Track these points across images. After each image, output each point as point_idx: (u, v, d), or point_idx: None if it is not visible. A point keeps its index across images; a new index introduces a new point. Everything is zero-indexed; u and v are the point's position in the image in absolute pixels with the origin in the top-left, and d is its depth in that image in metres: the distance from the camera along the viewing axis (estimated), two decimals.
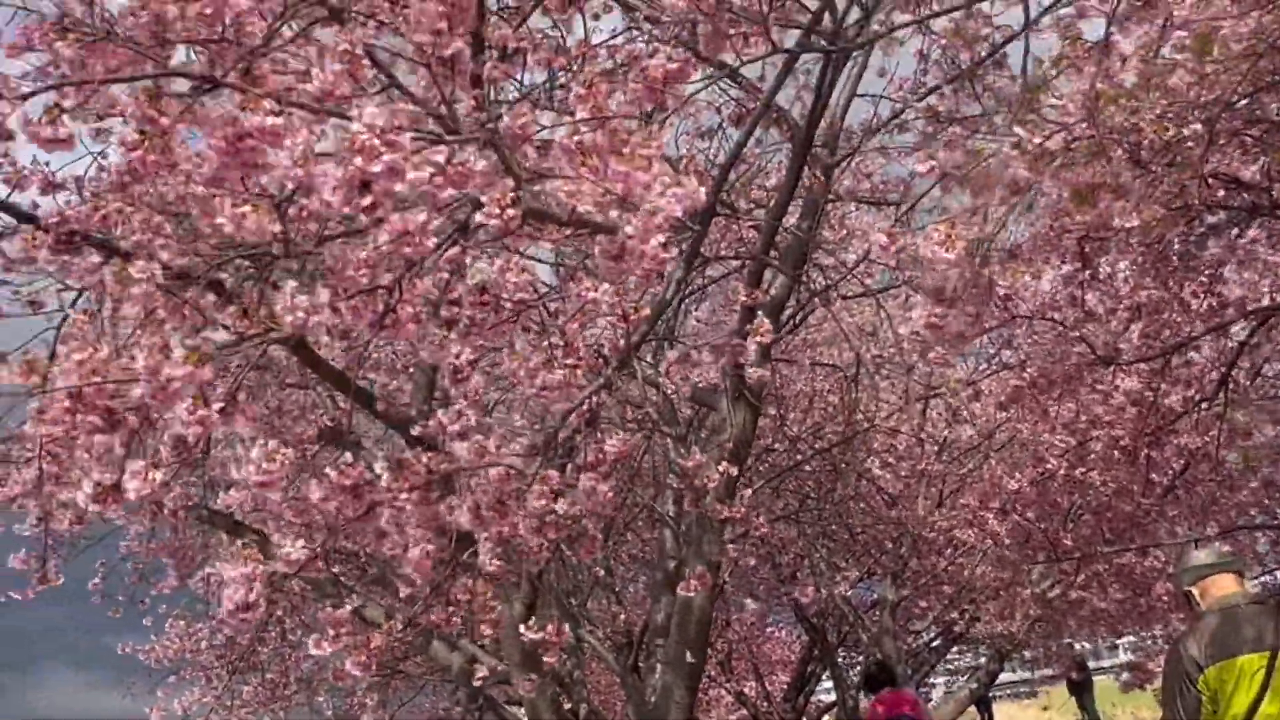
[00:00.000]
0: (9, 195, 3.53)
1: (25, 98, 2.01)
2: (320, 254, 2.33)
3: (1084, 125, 2.84)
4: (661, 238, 1.99)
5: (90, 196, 3.57)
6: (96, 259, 2.97)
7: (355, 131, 1.85)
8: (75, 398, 2.22)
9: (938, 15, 3.95)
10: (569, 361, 3.05)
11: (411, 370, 6.46)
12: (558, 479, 2.78)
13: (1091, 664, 18.31)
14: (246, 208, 2.03)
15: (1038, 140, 2.75)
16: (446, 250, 2.46)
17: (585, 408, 3.12)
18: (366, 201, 1.89)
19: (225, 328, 2.32)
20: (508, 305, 3.28)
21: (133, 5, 2.02)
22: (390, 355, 7.12)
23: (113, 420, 2.26)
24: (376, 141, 1.84)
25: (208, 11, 1.98)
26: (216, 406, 2.24)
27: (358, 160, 1.84)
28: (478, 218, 2.08)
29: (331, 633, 3.23)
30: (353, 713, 11.56)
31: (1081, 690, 17.73)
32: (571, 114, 2.16)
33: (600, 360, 3.28)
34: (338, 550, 7.34)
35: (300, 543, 2.74)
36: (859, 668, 19.84)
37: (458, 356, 3.12)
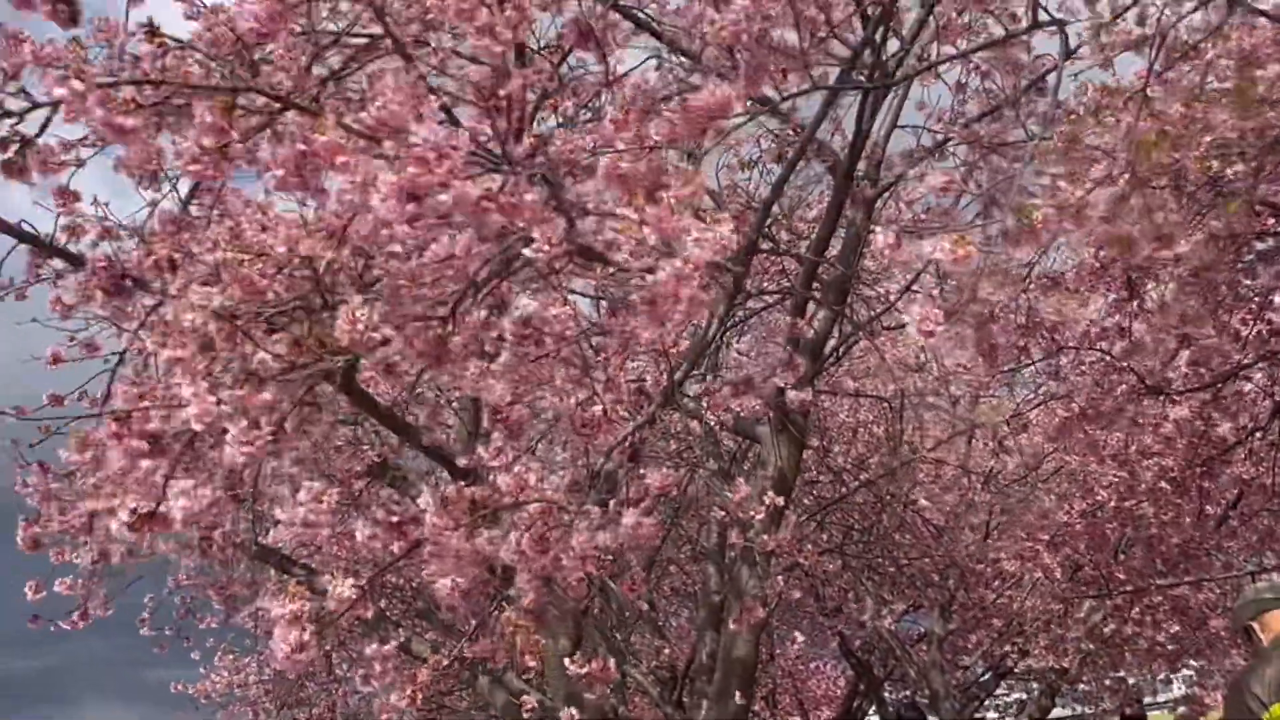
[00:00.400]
0: (67, 243, 3.64)
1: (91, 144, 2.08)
2: (372, 284, 2.36)
3: (1124, 172, 2.83)
4: (695, 284, 2.00)
5: (141, 244, 3.65)
6: (149, 302, 3.04)
7: (413, 143, 1.88)
8: (122, 422, 2.25)
9: (979, 49, 3.97)
10: (609, 398, 3.07)
11: (456, 405, 6.51)
12: (600, 514, 2.78)
13: (1146, 699, 17.91)
14: (303, 230, 2.07)
15: (1079, 194, 2.75)
16: (494, 283, 2.49)
17: (628, 443, 3.12)
18: (412, 208, 1.91)
19: (277, 356, 2.35)
20: (549, 341, 3.30)
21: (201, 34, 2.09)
22: (435, 391, 7.18)
23: (159, 445, 2.29)
24: (432, 154, 1.87)
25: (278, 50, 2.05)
26: (268, 431, 2.26)
27: (411, 169, 1.87)
28: (526, 252, 2.10)
29: (378, 668, 3.25)
30: None
31: None
32: (610, 145, 2.19)
33: (641, 395, 3.29)
34: (383, 584, 7.38)
35: (350, 581, 2.76)
36: (906, 703, 19.54)
37: (499, 393, 3.14)
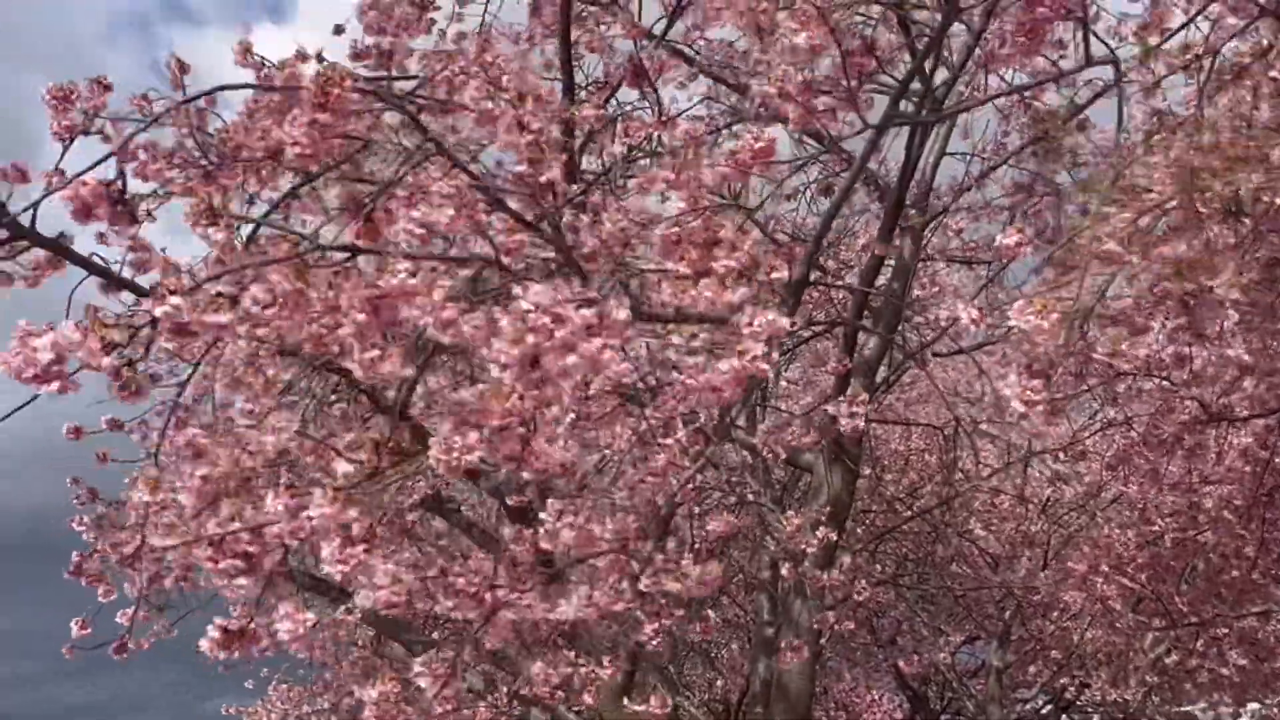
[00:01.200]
0: (134, 276, 3.73)
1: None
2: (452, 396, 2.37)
3: (1175, 200, 2.80)
4: (764, 365, 2.02)
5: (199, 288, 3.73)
6: (209, 338, 3.11)
7: (524, 309, 1.90)
8: (216, 546, 2.29)
9: (1029, 87, 3.95)
10: (667, 442, 3.07)
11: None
12: (665, 559, 2.77)
13: None
14: (377, 353, 2.08)
15: (1128, 215, 2.72)
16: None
17: (690, 487, 3.12)
18: (537, 375, 1.94)
19: (359, 463, 2.37)
20: (611, 394, 3.31)
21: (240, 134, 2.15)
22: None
23: (252, 564, 2.33)
24: (546, 319, 1.90)
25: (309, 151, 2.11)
26: (361, 547, 2.29)
27: (530, 338, 1.90)
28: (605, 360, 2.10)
29: (429, 678, 3.25)
30: None
31: None
32: (660, 194, 2.22)
33: (699, 435, 3.29)
34: (436, 617, 7.42)
35: (383, 585, 2.72)
36: None
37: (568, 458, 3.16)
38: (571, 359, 1.89)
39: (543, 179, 2.10)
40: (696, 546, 2.97)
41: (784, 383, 7.88)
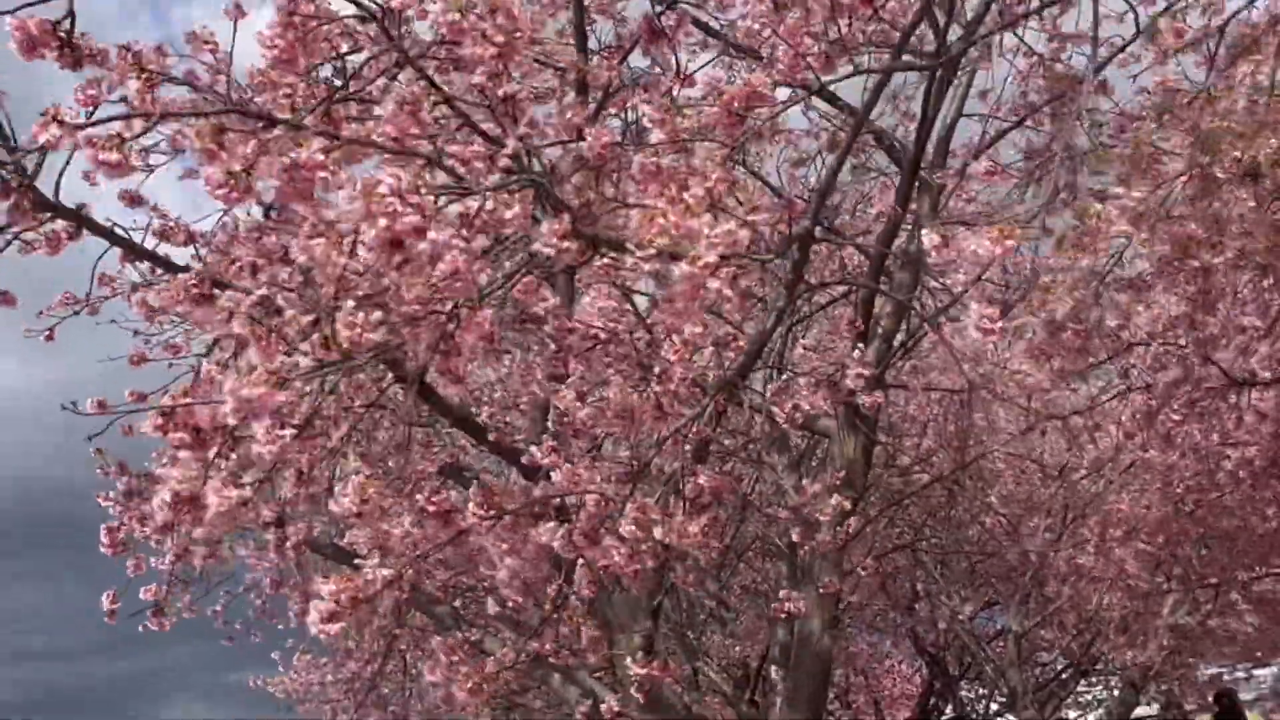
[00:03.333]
0: (156, 246, 3.77)
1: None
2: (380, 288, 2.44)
3: (1189, 175, 2.78)
4: (716, 283, 2.04)
5: (220, 249, 3.77)
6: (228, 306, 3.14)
7: (380, 194, 1.98)
8: (166, 416, 2.37)
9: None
10: (658, 388, 3.10)
11: (523, 405, 6.58)
12: (651, 508, 2.81)
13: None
14: (319, 240, 2.16)
15: (1138, 195, 2.70)
16: (518, 280, 2.56)
17: (686, 438, 3.14)
18: (398, 259, 2.02)
19: (305, 354, 2.44)
20: (602, 336, 3.35)
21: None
22: (504, 393, 7.26)
23: (199, 438, 2.40)
24: (397, 202, 1.98)
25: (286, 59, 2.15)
26: (290, 431, 2.36)
27: (382, 222, 1.97)
28: (536, 247, 2.19)
29: (444, 659, 3.31)
30: None
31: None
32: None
33: (696, 389, 3.30)
34: (456, 584, 7.49)
35: (383, 563, 2.81)
36: (983, 701, 19.29)
37: (557, 392, 3.20)
38: (423, 244, 1.97)
39: (501, 93, 2.15)
40: (689, 500, 2.99)
41: (800, 349, 7.87)
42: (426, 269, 2.22)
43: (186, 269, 3.37)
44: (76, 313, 4.41)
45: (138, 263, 4.00)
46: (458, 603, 6.68)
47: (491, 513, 2.60)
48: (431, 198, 2.04)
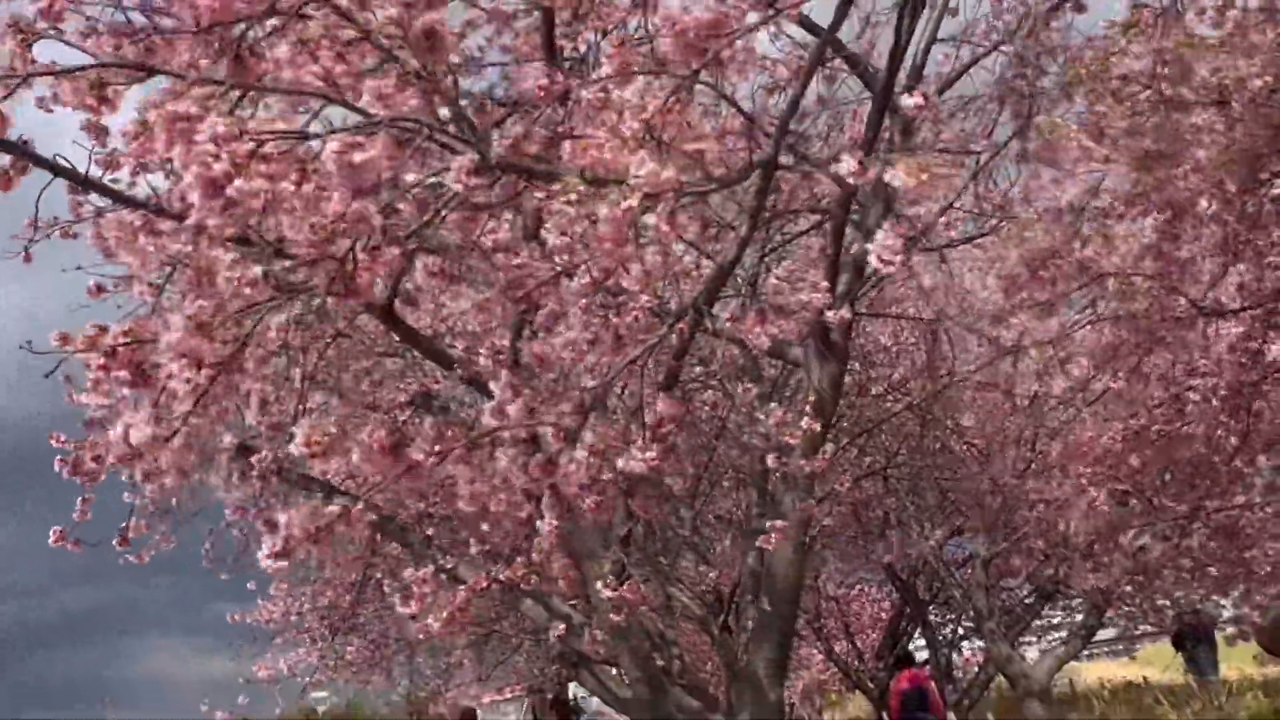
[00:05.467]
0: (103, 176, 3.69)
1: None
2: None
3: (1152, 89, 2.77)
4: (652, 218, 2.06)
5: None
6: (185, 238, 3.10)
7: (202, 141, 1.99)
8: (109, 356, 2.38)
9: None
10: (616, 320, 3.10)
11: (495, 336, 6.56)
12: (608, 437, 2.82)
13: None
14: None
15: (1101, 110, 2.69)
16: (441, 216, 2.55)
17: (645, 368, 3.14)
18: (223, 202, 2.04)
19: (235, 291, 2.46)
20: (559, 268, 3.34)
21: None
22: (474, 325, 7.23)
23: (144, 378, 2.42)
24: (213, 148, 1.98)
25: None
26: (207, 374, 2.43)
27: (196, 168, 1.99)
28: (446, 180, 2.20)
29: (417, 591, 3.33)
30: (451, 671, 11.88)
31: (1188, 644, 17.28)
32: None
33: (656, 318, 3.30)
34: (430, 514, 7.52)
35: (341, 499, 2.83)
36: (951, 625, 19.70)
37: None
38: (244, 184, 1.99)
39: (419, 25, 2.13)
40: (647, 428, 3.01)
41: (774, 279, 7.85)
42: (316, 210, 2.23)
43: (142, 204, 3.31)
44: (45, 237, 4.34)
45: (87, 195, 3.92)
46: (431, 531, 6.72)
47: (438, 449, 2.60)
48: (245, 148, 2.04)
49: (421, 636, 3.62)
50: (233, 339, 2.51)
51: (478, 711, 16.45)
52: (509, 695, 16.19)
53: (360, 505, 2.53)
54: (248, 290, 2.29)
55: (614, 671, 6.90)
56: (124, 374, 2.51)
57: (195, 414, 2.80)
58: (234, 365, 2.61)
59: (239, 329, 2.48)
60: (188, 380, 2.44)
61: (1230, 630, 12.64)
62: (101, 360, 2.49)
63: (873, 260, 2.44)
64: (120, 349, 2.50)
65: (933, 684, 13.76)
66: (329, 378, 5.86)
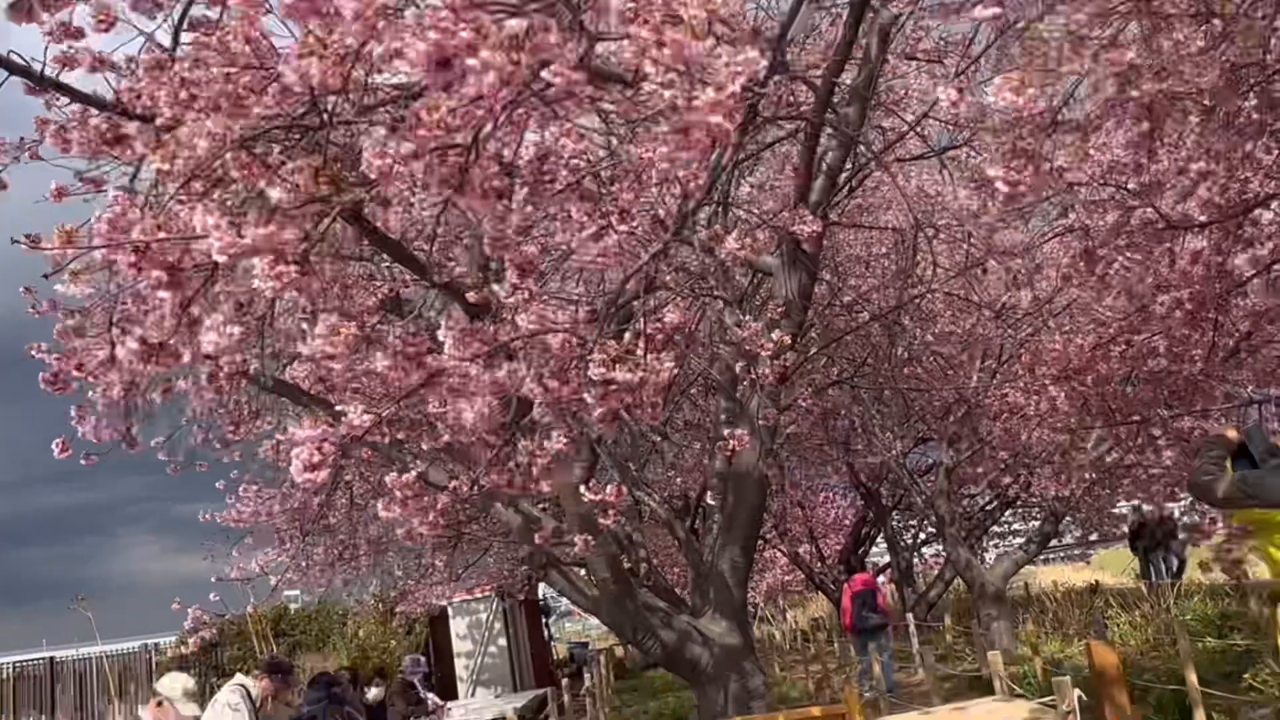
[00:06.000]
0: (59, 73, 3.56)
1: None
2: (376, 116, 2.33)
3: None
4: (722, 115, 1.95)
5: (142, 76, 3.57)
6: (150, 136, 3.01)
7: (433, 6, 1.84)
8: (140, 253, 2.27)
9: None
10: (624, 228, 3.06)
11: (465, 241, 6.50)
12: (618, 347, 2.81)
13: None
14: (312, 58, 2.03)
15: (1080, 18, 2.64)
16: (512, 111, 2.45)
17: (643, 274, 3.13)
18: (446, 78, 1.89)
19: (294, 188, 2.34)
20: (564, 173, 3.27)
21: None
22: (444, 227, 7.15)
23: (176, 278, 2.32)
24: (452, 18, 1.84)
25: None
26: (293, 267, 2.28)
27: (433, 35, 1.84)
28: (544, 75, 2.06)
29: (399, 495, 3.35)
30: (422, 572, 12.04)
31: (1141, 545, 17.81)
32: None
33: (657, 225, 3.27)
34: (400, 419, 7.53)
35: (363, 409, 2.82)
36: (912, 531, 20.16)
37: (514, 226, 3.13)
38: (473, 61, 1.87)
39: None
40: (651, 337, 3.01)
41: (746, 188, 7.80)
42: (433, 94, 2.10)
43: (103, 103, 3.21)
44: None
45: (45, 93, 3.80)
46: (401, 435, 6.73)
47: (468, 355, 2.58)
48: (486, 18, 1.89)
49: (404, 537, 3.66)
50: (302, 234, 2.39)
51: (449, 610, 16.75)
52: (479, 595, 16.48)
53: (386, 415, 2.52)
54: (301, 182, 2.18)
55: (582, 573, 7.04)
56: (160, 274, 2.37)
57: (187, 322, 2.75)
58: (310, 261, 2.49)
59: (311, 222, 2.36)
60: (275, 276, 2.30)
61: (1183, 536, 13.01)
62: (132, 258, 2.35)
63: (941, 94, 2.38)
64: (153, 246, 2.36)
65: (881, 587, 14.50)
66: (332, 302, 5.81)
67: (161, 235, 2.29)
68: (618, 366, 2.69)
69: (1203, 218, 6.11)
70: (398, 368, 2.84)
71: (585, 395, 2.74)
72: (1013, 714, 3.47)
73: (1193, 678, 7.87)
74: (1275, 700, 7.44)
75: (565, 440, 3.08)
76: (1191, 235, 6.47)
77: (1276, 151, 5.53)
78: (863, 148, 5.44)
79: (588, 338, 2.75)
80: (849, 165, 5.75)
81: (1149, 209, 6.01)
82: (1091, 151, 5.13)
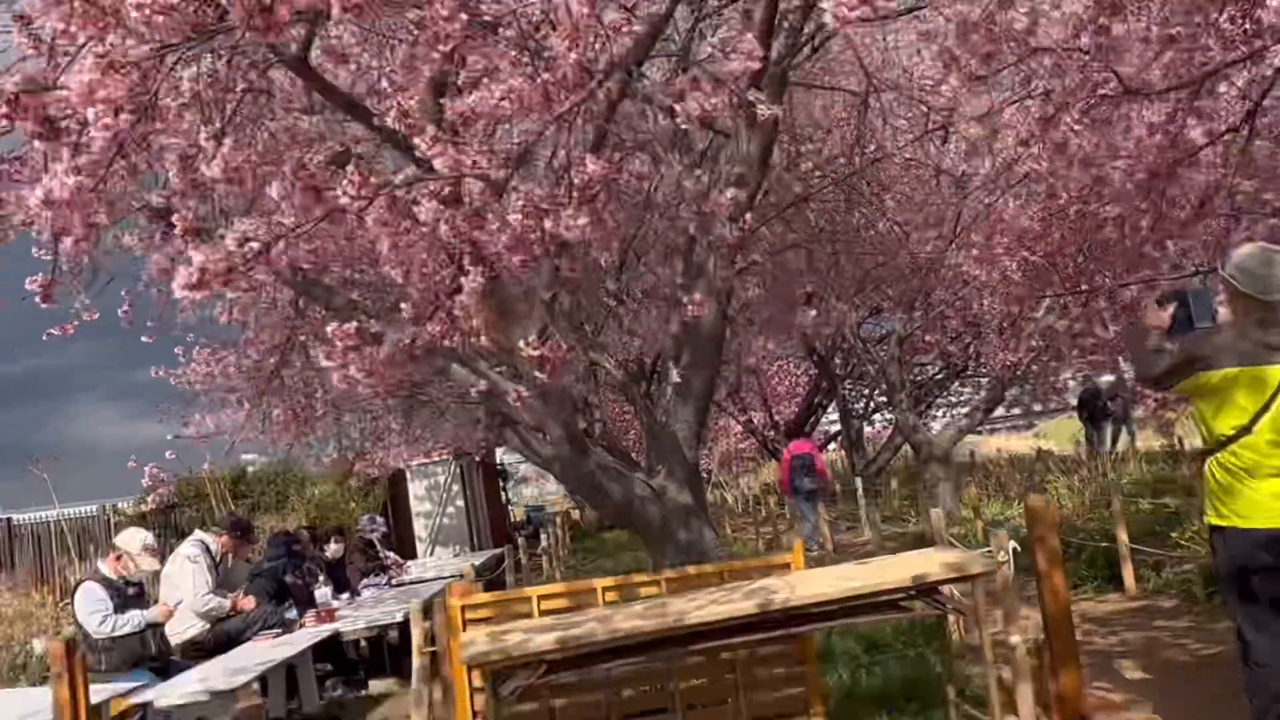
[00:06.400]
0: None
1: None
2: None
3: None
4: None
5: None
6: None
7: None
8: (12, 104, 2.27)
9: None
10: (547, 76, 3.00)
11: (416, 98, 6.34)
12: (538, 198, 2.79)
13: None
14: None
15: None
16: None
17: (573, 126, 3.08)
18: None
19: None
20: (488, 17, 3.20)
21: None
22: (390, 83, 6.96)
23: (53, 129, 2.32)
24: None
25: None
26: (125, 118, 2.29)
27: None
28: None
29: (339, 345, 3.34)
30: (379, 435, 12.13)
31: (1087, 414, 18.33)
32: None
33: (585, 74, 3.21)
34: (355, 281, 7.49)
35: (243, 233, 2.73)
36: (864, 400, 20.53)
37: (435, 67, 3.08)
38: None
39: None
40: (578, 190, 2.99)
41: (708, 47, 7.63)
42: None
43: None
44: None
45: None
46: (356, 295, 6.70)
47: (363, 194, 2.55)
48: None
49: (345, 389, 3.67)
50: (148, 79, 2.39)
51: (407, 473, 16.96)
52: (436, 459, 16.65)
53: (281, 245, 2.49)
54: (160, 19, 2.15)
55: (539, 435, 7.12)
56: (31, 125, 2.39)
57: (110, 164, 2.69)
58: (152, 111, 2.50)
59: (155, 68, 2.36)
60: (106, 126, 2.33)
61: (1139, 412, 13.37)
62: (4, 110, 2.35)
63: (828, 18, 2.38)
64: (23, 97, 2.36)
65: (819, 452, 15.07)
66: (244, 135, 5.65)
67: (25, 89, 2.30)
68: (539, 218, 2.69)
69: (1161, 86, 6.10)
70: (296, 196, 2.79)
71: (503, 239, 2.74)
72: (944, 559, 3.62)
73: (1123, 535, 8.23)
74: (1199, 556, 7.81)
75: (479, 285, 3.08)
76: (1149, 105, 6.46)
77: (1240, 21, 5.50)
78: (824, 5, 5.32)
79: (500, 180, 2.73)
80: (810, 23, 5.64)
81: (1109, 74, 5.98)
82: (1053, 12, 5.08)
